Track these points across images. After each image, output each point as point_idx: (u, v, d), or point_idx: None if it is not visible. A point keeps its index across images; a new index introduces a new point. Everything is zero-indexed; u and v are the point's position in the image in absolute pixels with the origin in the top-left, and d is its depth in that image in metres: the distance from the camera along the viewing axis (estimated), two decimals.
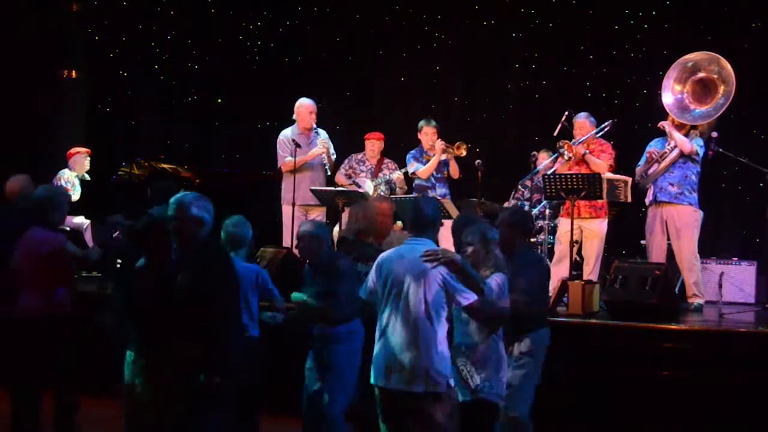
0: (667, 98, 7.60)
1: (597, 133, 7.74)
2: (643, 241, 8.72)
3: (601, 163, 7.64)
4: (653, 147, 7.65)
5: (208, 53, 11.26)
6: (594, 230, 7.60)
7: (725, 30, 9.35)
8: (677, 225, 7.47)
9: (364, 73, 10.91)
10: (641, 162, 7.74)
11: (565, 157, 7.63)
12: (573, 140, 7.74)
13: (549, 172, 7.67)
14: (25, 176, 6.08)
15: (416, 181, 8.41)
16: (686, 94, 7.59)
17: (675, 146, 7.50)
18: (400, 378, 4.34)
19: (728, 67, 7.44)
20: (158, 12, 11.30)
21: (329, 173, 8.33)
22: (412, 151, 8.44)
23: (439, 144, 8.22)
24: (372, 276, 4.55)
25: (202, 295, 4.53)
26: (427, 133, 8.34)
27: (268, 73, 11.01)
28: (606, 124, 7.76)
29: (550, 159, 7.96)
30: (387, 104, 10.78)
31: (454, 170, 8.35)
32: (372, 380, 4.45)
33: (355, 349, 5.32)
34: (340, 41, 10.92)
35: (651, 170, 7.59)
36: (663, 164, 7.51)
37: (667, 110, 7.59)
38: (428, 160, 8.29)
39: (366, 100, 10.92)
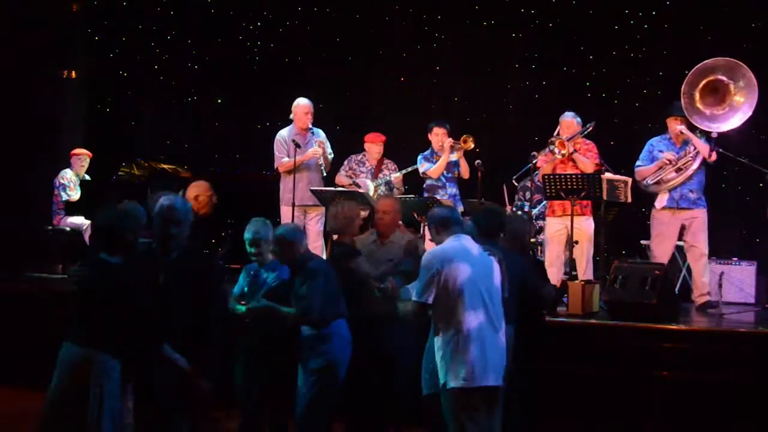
0: (685, 103, 7.51)
1: (581, 133, 7.78)
2: (643, 241, 8.72)
3: (589, 162, 7.68)
4: (669, 151, 7.58)
5: (208, 53, 11.25)
6: (582, 229, 7.60)
7: (725, 30, 9.35)
8: (696, 229, 7.52)
9: (364, 73, 10.91)
10: (645, 163, 7.67)
11: (557, 155, 7.64)
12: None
13: (549, 173, 7.68)
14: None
15: (428, 181, 8.40)
16: (696, 97, 7.54)
17: (697, 153, 7.48)
18: (500, 375, 4.54)
19: (749, 75, 7.43)
20: (158, 12, 11.30)
21: (324, 174, 8.26)
22: (424, 153, 8.43)
23: (447, 142, 8.23)
24: (431, 278, 4.52)
25: (192, 298, 4.51)
26: (438, 134, 8.33)
27: (268, 73, 11.01)
28: (589, 125, 7.80)
29: (542, 155, 7.97)
30: (387, 104, 10.77)
31: (465, 170, 8.33)
32: (474, 382, 4.46)
33: (335, 351, 5.31)
34: (340, 41, 10.92)
35: (669, 176, 7.53)
36: (688, 173, 7.48)
37: (687, 116, 7.52)
38: (438, 160, 8.29)
39: (366, 100, 10.92)
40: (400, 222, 6.46)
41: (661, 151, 7.65)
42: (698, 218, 7.53)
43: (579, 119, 7.86)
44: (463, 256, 4.55)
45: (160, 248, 4.59)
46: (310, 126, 8.26)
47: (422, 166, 8.37)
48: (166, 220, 4.57)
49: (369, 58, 10.90)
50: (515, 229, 5.78)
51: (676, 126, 7.62)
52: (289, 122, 8.40)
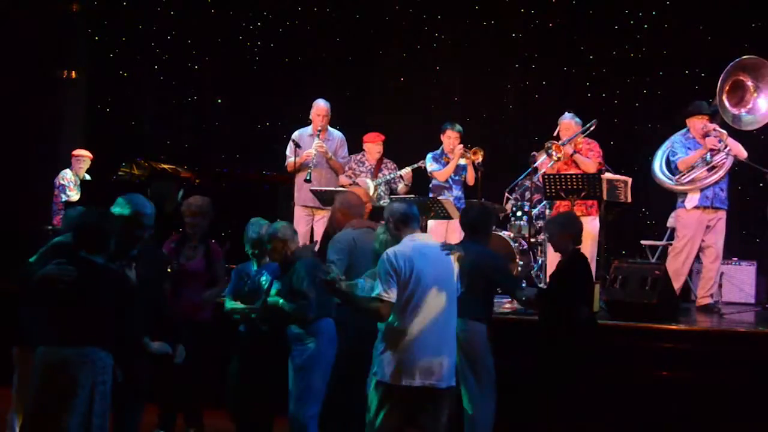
0: (719, 101, 7.47)
1: (583, 132, 7.74)
2: (643, 242, 8.72)
3: (590, 162, 7.65)
4: (696, 149, 7.52)
5: (208, 53, 11.26)
6: (586, 229, 7.54)
7: (725, 30, 9.35)
8: (719, 229, 7.47)
9: (364, 73, 10.91)
10: (684, 154, 7.53)
11: (554, 158, 7.62)
12: (560, 141, 7.74)
13: (549, 173, 7.67)
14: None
15: (434, 181, 8.34)
16: (724, 96, 7.51)
17: (728, 149, 7.41)
18: (442, 375, 4.48)
19: None
20: (158, 12, 11.29)
21: (308, 178, 8.07)
22: (434, 152, 8.35)
23: (459, 149, 8.16)
24: (392, 276, 4.44)
25: (155, 289, 4.84)
26: (450, 136, 8.25)
27: (268, 73, 11.01)
28: (590, 123, 7.76)
29: (541, 160, 7.95)
30: (387, 104, 10.77)
31: (471, 177, 8.24)
32: (399, 381, 4.43)
33: (320, 348, 5.31)
34: (340, 41, 10.92)
35: (702, 175, 7.42)
36: (721, 172, 7.41)
37: (721, 113, 7.46)
38: (447, 162, 8.24)
39: (366, 100, 10.91)
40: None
41: (689, 149, 7.54)
42: (722, 219, 7.48)
43: (578, 119, 7.84)
44: (420, 254, 4.53)
45: (123, 246, 4.64)
46: (320, 128, 8.23)
47: (431, 165, 8.31)
48: (136, 223, 4.70)
49: (369, 58, 10.90)
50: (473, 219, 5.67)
51: (704, 124, 7.47)
52: (294, 122, 8.45)
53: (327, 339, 5.34)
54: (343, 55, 10.91)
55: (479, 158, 8.23)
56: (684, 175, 7.49)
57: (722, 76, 7.46)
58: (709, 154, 7.45)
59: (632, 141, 8.87)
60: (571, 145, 7.68)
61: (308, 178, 8.08)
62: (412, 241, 4.61)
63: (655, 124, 8.07)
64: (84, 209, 4.61)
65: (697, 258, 7.74)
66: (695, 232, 7.48)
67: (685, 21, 9.69)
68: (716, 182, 7.43)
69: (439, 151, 8.37)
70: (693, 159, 7.46)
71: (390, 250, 4.54)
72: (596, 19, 10.03)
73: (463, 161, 8.23)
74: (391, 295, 4.42)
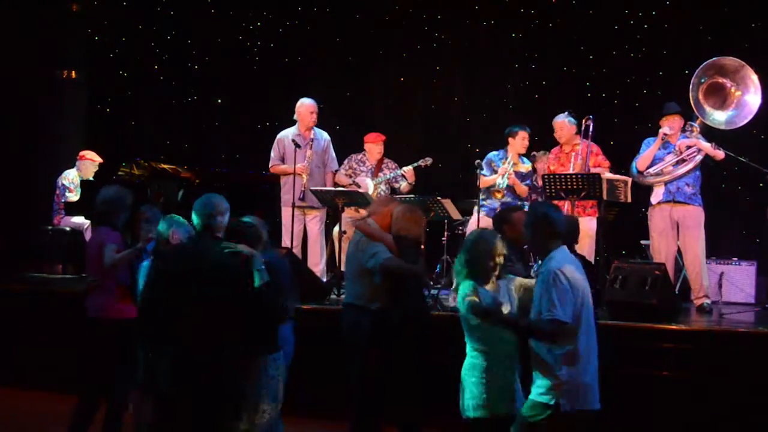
0: (693, 97, 7.53)
1: (588, 137, 7.69)
2: (643, 241, 8.71)
3: (601, 169, 7.67)
4: (668, 152, 7.56)
5: (208, 53, 11.26)
6: (584, 229, 7.57)
7: (725, 30, 9.35)
8: (690, 225, 7.46)
9: (364, 73, 10.91)
10: (643, 151, 7.65)
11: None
12: (559, 144, 7.79)
13: (549, 173, 7.68)
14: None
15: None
16: (701, 95, 7.55)
17: (699, 148, 7.47)
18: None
19: (753, 77, 7.47)
20: (158, 12, 11.30)
21: (302, 197, 8.03)
22: (495, 152, 8.13)
23: (504, 168, 7.94)
24: (569, 295, 4.09)
25: None
26: (524, 137, 8.07)
27: (268, 73, 11.01)
28: (585, 124, 7.70)
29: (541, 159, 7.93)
30: (387, 104, 10.78)
31: (520, 189, 8.11)
32: (587, 406, 4.19)
33: (284, 356, 5.18)
34: (340, 41, 10.93)
35: (670, 168, 7.50)
36: (690, 165, 7.44)
37: (694, 109, 7.53)
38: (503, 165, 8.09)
39: (366, 100, 10.92)
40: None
41: (661, 148, 7.61)
42: (693, 215, 7.46)
43: (571, 119, 7.85)
44: (579, 268, 4.22)
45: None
46: (313, 127, 8.24)
47: (483, 168, 8.08)
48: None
49: (369, 58, 10.90)
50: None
51: (674, 122, 7.56)
52: (292, 123, 8.43)
53: (290, 344, 5.22)
54: (343, 55, 10.91)
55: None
56: (649, 169, 7.54)
57: (699, 73, 7.53)
58: (673, 147, 7.48)
59: (632, 141, 8.83)
60: (588, 164, 7.67)
61: (302, 197, 8.01)
62: (566, 253, 4.24)
63: (655, 124, 8.06)
64: (254, 219, 4.68)
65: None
66: (663, 228, 7.51)
67: (685, 21, 9.69)
68: (680, 176, 7.44)
69: (500, 153, 8.11)
70: (650, 154, 7.55)
71: (560, 266, 4.13)
72: (596, 19, 10.03)
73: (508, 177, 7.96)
74: (569, 317, 4.07)
